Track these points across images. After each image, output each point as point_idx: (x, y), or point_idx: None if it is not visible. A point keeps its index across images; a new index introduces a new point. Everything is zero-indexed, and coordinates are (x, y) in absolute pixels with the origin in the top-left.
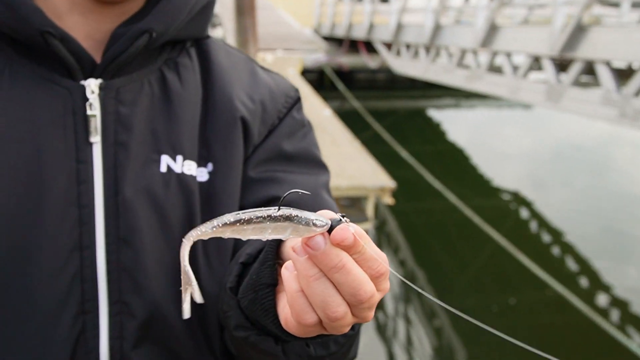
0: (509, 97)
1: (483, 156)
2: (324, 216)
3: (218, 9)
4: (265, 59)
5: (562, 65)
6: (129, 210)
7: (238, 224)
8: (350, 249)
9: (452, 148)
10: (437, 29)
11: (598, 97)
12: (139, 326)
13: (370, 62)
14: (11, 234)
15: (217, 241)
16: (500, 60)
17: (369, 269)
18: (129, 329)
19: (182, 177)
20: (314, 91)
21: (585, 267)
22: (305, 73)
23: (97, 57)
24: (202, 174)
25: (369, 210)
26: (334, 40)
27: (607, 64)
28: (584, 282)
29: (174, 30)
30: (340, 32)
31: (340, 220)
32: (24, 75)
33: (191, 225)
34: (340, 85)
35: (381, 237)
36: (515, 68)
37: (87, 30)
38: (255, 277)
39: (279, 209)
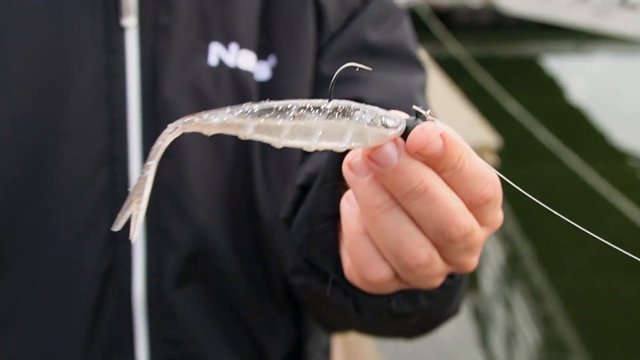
0: None
1: (609, 113)
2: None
3: None
4: None
5: None
6: (171, 113)
7: (265, 117)
8: (437, 161)
9: (569, 103)
10: None
11: None
12: (182, 260)
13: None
14: (27, 143)
15: (279, 154)
16: None
17: (467, 193)
18: (170, 264)
19: (236, 72)
20: None
21: None
22: None
23: None
24: (262, 70)
25: None
26: None
27: None
28: None
29: None
30: None
31: (418, 117)
32: None
33: None
34: (437, 28)
35: None
36: None
37: None
38: (312, 206)
39: (330, 100)
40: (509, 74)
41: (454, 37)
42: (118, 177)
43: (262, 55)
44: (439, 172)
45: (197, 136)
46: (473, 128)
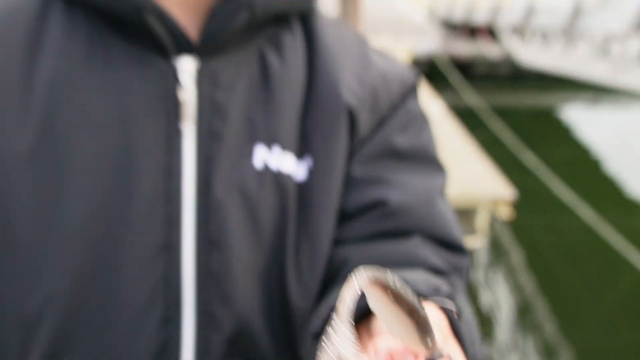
0: None
1: (627, 166)
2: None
3: None
4: None
5: None
6: (221, 208)
7: None
8: None
9: (587, 155)
10: (577, 12)
11: None
12: (226, 341)
13: (492, 52)
14: (97, 233)
15: (310, 251)
16: None
17: None
18: (215, 344)
19: (278, 176)
20: (423, 84)
21: None
22: (415, 63)
23: (194, 34)
24: (300, 172)
25: (480, 222)
26: (449, 27)
27: None
28: None
29: (278, 4)
30: (457, 18)
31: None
32: (117, 55)
33: (282, 230)
34: (455, 78)
35: (496, 259)
36: None
37: (184, 5)
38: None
39: None
40: (526, 125)
41: (472, 87)
42: (172, 264)
43: (300, 156)
44: None
45: (240, 230)
46: (489, 179)
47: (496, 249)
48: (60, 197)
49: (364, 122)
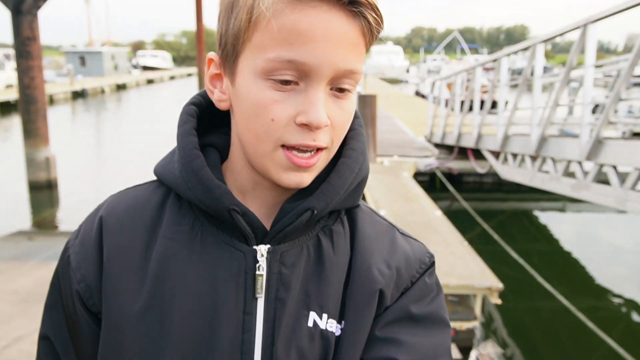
0: (616, 207)
1: (592, 259)
2: None
3: None
4: (383, 162)
5: None
6: (281, 358)
7: None
8: None
9: (559, 248)
10: (543, 140)
11: None
12: None
13: (479, 168)
14: None
15: None
16: (606, 169)
17: None
18: None
19: (324, 332)
20: (425, 193)
21: None
22: (418, 176)
23: (267, 225)
24: (337, 330)
25: (477, 308)
26: (444, 147)
27: None
28: None
29: (332, 206)
30: (450, 141)
31: None
32: (211, 239)
33: None
34: (450, 187)
35: (490, 336)
36: (623, 179)
37: (261, 201)
38: None
39: None
40: (509, 224)
41: (464, 195)
42: None
43: (339, 321)
44: None
45: None
46: (482, 273)
47: (490, 328)
48: (162, 345)
49: (389, 294)
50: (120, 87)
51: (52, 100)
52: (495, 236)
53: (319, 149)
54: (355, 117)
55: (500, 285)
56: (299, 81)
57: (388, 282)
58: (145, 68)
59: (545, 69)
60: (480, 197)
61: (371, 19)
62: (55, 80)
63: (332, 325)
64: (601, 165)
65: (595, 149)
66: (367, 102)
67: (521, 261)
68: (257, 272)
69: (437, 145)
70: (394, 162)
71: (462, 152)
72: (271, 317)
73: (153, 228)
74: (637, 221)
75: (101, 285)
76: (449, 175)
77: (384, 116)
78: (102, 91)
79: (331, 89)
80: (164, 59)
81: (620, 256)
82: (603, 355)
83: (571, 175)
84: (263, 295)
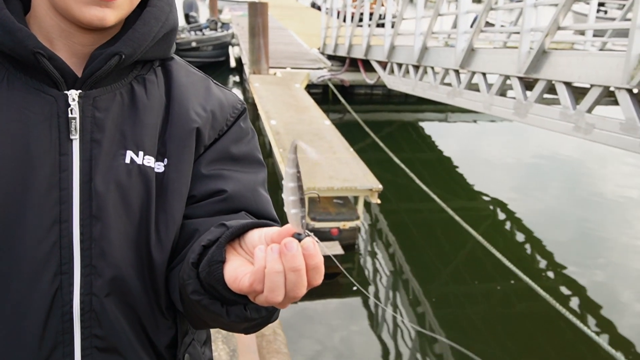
0: (484, 111)
1: (468, 165)
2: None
3: (236, 30)
4: (276, 74)
5: (528, 84)
6: (99, 193)
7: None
8: (309, 258)
9: (440, 157)
10: (424, 50)
11: (557, 113)
12: (105, 284)
13: (368, 79)
14: (3, 208)
15: (166, 221)
16: (477, 79)
17: (312, 279)
18: (97, 286)
19: (142, 167)
20: (316, 104)
21: (553, 263)
22: (311, 87)
23: (79, 73)
24: (158, 167)
25: (359, 208)
26: (337, 59)
27: (567, 84)
28: (550, 275)
29: (141, 52)
30: (342, 52)
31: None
32: (19, 85)
33: (148, 206)
34: (341, 99)
35: (373, 234)
36: (490, 86)
37: (71, 51)
38: (210, 256)
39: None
40: (396, 135)
41: (355, 107)
42: (64, 232)
43: (159, 158)
44: (307, 264)
45: (115, 207)
46: (364, 176)
47: (375, 227)
48: None
49: (207, 134)
50: None
51: None
52: (382, 145)
53: None
54: None
55: (379, 186)
56: None
57: (205, 123)
58: None
59: None
60: (372, 108)
61: None
62: None
63: (149, 161)
64: (473, 73)
65: (468, 57)
66: (257, 10)
67: (404, 167)
68: (70, 115)
69: (330, 57)
70: (286, 73)
71: (354, 64)
72: (87, 157)
73: None
74: (508, 131)
75: None
76: (342, 87)
77: (278, 27)
78: None
79: None
80: None
81: (491, 161)
82: (472, 246)
83: (448, 85)
84: (78, 137)
